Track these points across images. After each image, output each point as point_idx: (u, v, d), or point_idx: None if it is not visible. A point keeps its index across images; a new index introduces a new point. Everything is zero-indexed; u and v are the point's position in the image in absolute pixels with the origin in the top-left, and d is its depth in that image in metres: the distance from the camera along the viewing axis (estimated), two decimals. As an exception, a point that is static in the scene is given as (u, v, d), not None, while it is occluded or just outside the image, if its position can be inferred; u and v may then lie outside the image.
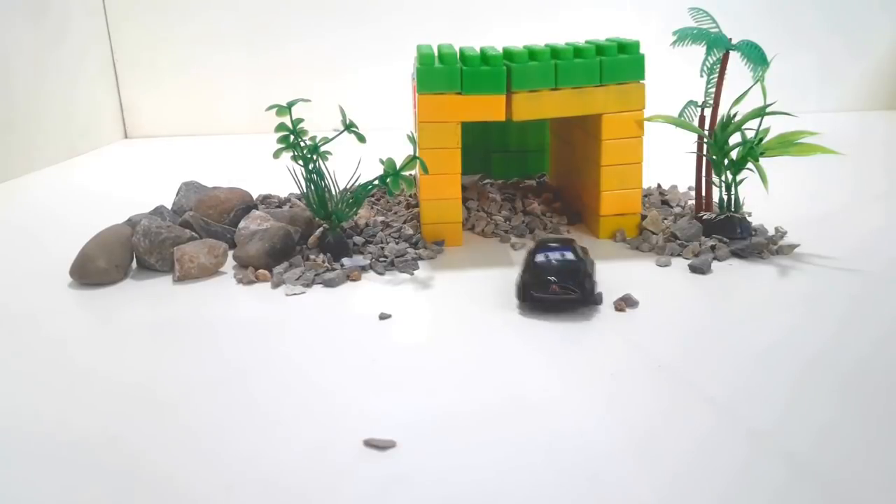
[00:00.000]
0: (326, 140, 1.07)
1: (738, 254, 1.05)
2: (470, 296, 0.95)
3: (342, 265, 1.04)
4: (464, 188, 1.33)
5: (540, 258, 0.90)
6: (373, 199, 1.35)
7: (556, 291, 0.85)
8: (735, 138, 1.09)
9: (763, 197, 1.11)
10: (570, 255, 0.90)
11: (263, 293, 0.98)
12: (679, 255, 1.06)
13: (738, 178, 1.09)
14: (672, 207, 1.26)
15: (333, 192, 1.09)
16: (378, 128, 1.36)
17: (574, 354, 0.79)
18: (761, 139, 1.07)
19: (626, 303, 0.90)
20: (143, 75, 2.28)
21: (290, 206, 1.28)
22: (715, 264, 1.03)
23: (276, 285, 1.00)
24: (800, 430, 0.64)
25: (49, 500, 0.58)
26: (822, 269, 1.00)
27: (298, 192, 1.37)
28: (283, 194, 1.40)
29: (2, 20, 1.75)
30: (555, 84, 1.08)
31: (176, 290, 1.00)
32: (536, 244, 0.94)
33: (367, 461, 0.62)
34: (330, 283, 0.99)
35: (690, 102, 1.16)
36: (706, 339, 0.81)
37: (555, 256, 0.90)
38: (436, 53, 1.11)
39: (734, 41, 1.09)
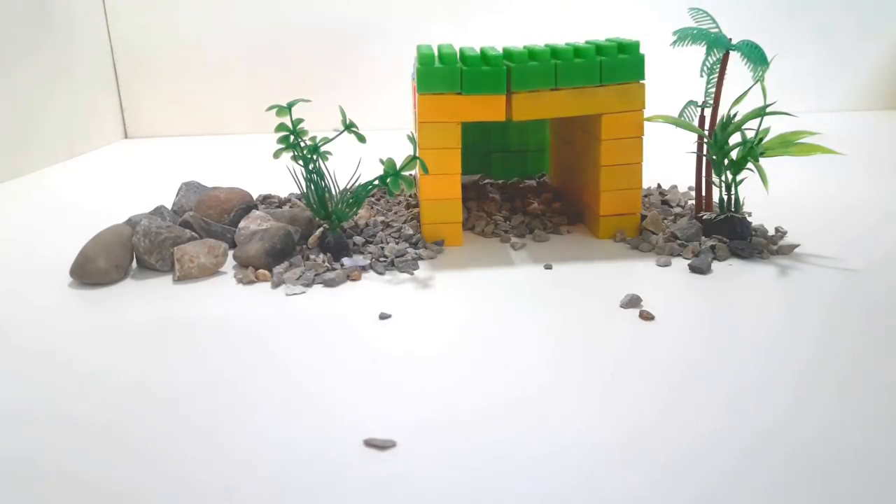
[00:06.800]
0: (326, 140, 1.07)
1: (738, 254, 1.05)
2: (470, 296, 0.95)
3: (342, 265, 1.04)
4: (464, 188, 1.33)
5: None
6: (373, 199, 1.35)
7: None
8: (735, 138, 1.09)
9: (763, 197, 1.11)
10: None
11: (263, 293, 0.98)
12: (679, 255, 1.06)
13: (738, 178, 1.09)
14: (672, 207, 1.26)
15: (333, 192, 1.09)
16: (378, 128, 1.36)
17: (574, 354, 0.79)
18: (761, 139, 1.07)
19: (644, 314, 0.86)
20: (143, 75, 2.28)
21: (291, 206, 1.28)
22: (715, 264, 1.03)
23: (276, 285, 1.00)
24: (799, 429, 0.64)
25: (49, 501, 0.58)
26: (822, 269, 1.00)
27: (298, 192, 1.37)
28: (284, 194, 1.40)
29: (2, 20, 1.75)
30: (555, 84, 1.09)
31: (176, 290, 1.00)
32: None
33: (367, 461, 0.62)
34: (330, 283, 0.99)
35: (690, 102, 1.16)
36: (706, 339, 0.81)
37: None
38: (436, 53, 1.11)
39: (734, 41, 1.09)
